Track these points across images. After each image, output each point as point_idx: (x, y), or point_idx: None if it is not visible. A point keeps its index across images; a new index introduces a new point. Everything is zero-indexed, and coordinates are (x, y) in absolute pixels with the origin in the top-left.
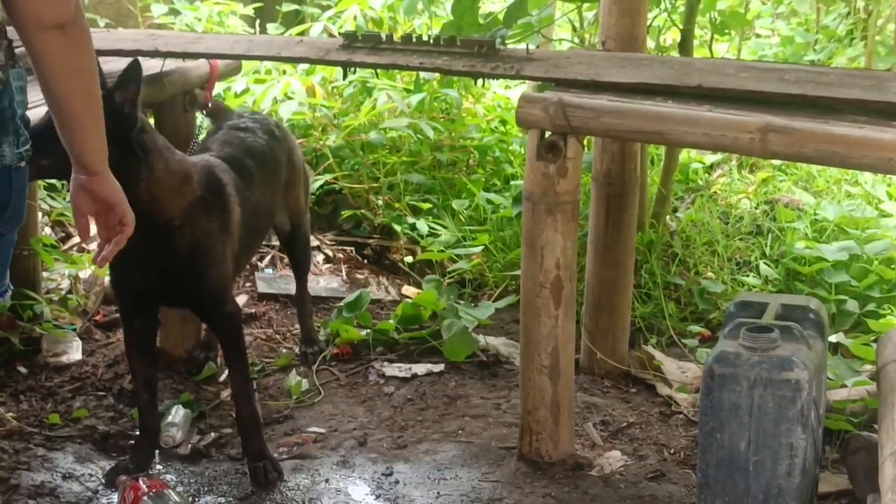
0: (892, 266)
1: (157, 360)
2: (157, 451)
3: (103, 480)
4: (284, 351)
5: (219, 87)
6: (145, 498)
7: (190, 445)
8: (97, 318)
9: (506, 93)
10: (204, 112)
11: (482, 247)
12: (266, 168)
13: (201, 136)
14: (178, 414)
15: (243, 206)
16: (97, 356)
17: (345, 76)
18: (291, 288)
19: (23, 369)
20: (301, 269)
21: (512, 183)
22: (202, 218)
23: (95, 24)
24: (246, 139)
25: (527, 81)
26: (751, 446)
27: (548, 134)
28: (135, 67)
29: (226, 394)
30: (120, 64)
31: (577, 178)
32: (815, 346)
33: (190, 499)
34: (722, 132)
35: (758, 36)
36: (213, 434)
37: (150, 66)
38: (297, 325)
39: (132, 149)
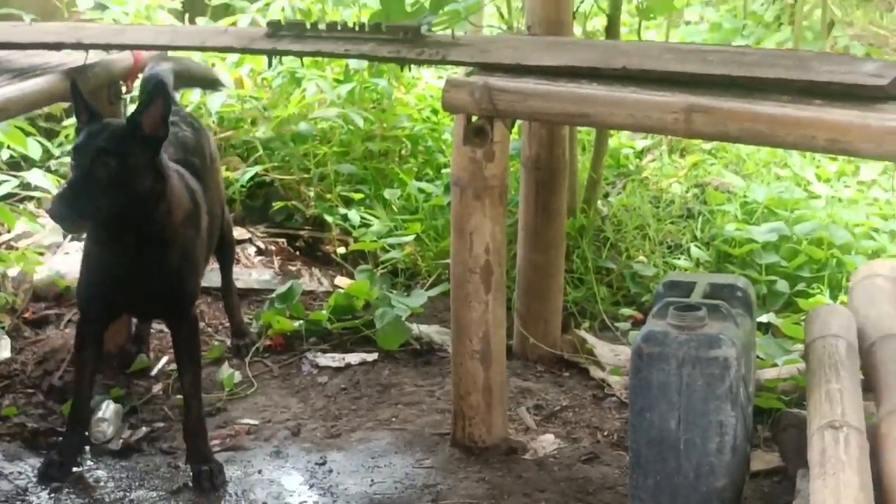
0: (821, 246)
1: (101, 358)
2: (87, 447)
3: (33, 477)
4: (216, 343)
5: None
6: None
7: (121, 440)
8: (26, 315)
9: (437, 82)
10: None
11: (414, 236)
12: (204, 162)
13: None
14: (108, 409)
15: (208, 210)
16: (26, 353)
17: (270, 64)
18: (247, 279)
19: None
20: (226, 260)
21: (444, 172)
22: (189, 227)
23: (20, 19)
24: (178, 134)
25: (458, 69)
26: (681, 425)
27: (474, 118)
28: (159, 88)
29: (157, 388)
30: (47, 57)
31: (504, 163)
32: (743, 323)
33: (121, 494)
34: (647, 113)
35: (687, 23)
36: (144, 428)
37: (73, 58)
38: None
39: (161, 170)
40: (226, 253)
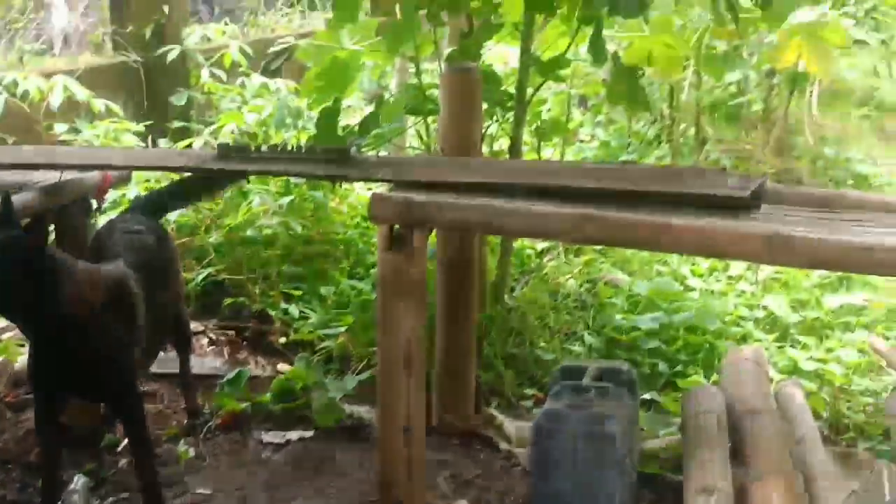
0: (696, 333)
1: (62, 434)
2: None
3: None
4: (174, 423)
5: (114, 194)
6: None
7: None
8: (8, 399)
9: (367, 193)
10: (98, 212)
11: (346, 327)
12: (163, 268)
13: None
14: (79, 482)
15: (149, 308)
16: (7, 434)
17: None
18: (200, 366)
19: None
20: (184, 350)
21: (372, 271)
22: (112, 316)
23: (4, 142)
24: (143, 243)
25: (380, 183)
26: (575, 490)
27: (396, 227)
28: (38, 218)
29: (123, 462)
30: (25, 175)
31: (422, 265)
32: (626, 403)
33: None
34: (544, 222)
35: (580, 141)
36: (111, 498)
37: (50, 176)
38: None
39: (49, 270)
40: (184, 344)
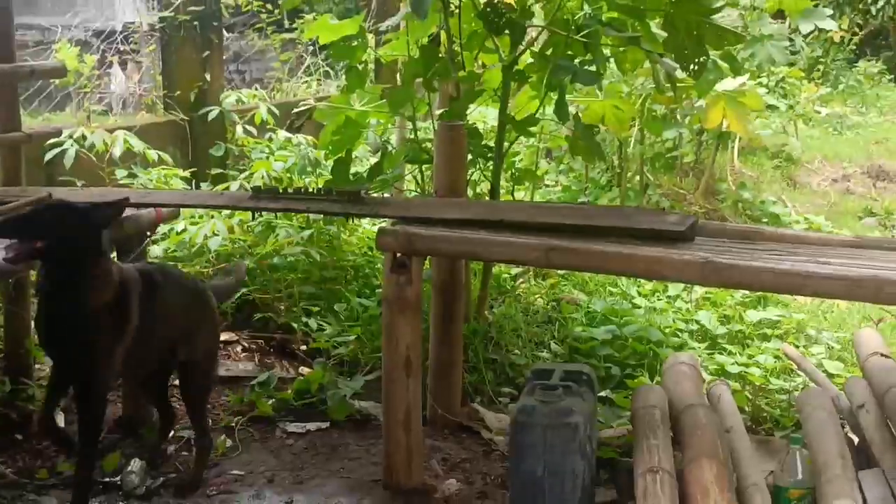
0: (642, 342)
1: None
2: (121, 493)
3: None
4: (211, 420)
5: (164, 228)
6: None
7: (145, 487)
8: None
9: (373, 228)
10: (148, 237)
11: (356, 336)
12: (180, 304)
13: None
14: (136, 465)
15: (143, 319)
16: (76, 425)
17: (253, 217)
18: (235, 369)
19: (19, 437)
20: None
21: (377, 291)
22: (108, 320)
23: (74, 184)
24: (177, 276)
25: (385, 219)
26: (545, 471)
27: (398, 255)
28: (121, 203)
29: (171, 449)
30: None
31: (419, 286)
32: (587, 398)
33: None
34: (518, 251)
35: (546, 185)
36: (161, 478)
37: None
38: (225, 398)
39: (95, 264)
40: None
